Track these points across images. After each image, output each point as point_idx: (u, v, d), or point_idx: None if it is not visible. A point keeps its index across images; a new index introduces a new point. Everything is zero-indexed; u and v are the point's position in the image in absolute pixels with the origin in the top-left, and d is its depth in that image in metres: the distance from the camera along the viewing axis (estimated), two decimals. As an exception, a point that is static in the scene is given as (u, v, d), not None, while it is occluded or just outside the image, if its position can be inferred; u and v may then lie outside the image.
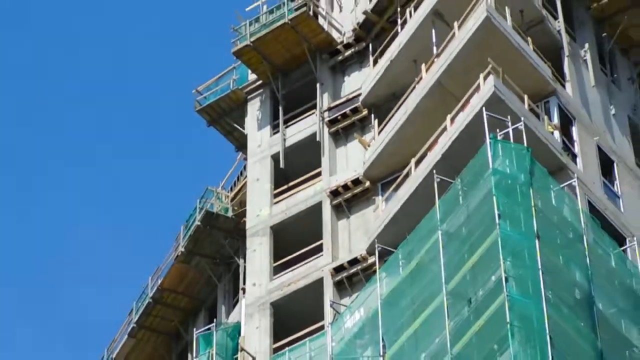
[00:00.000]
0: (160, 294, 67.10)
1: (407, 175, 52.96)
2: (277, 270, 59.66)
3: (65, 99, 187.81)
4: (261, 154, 64.69)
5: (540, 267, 40.58)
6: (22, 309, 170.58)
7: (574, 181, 49.85)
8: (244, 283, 61.20)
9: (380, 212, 55.52)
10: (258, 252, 61.04)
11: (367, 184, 57.49)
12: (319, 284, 57.62)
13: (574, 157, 54.24)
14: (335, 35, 64.69)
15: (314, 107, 62.72)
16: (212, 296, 67.75)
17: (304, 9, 62.87)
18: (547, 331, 38.12)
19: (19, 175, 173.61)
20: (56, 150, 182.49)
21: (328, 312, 54.97)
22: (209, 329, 62.35)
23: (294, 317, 58.48)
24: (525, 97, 51.96)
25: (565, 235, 47.86)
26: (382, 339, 48.98)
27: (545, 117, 53.82)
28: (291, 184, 62.47)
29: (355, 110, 60.89)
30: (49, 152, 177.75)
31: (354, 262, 56.21)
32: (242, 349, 57.94)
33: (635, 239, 53.10)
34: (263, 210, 62.37)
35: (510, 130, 46.99)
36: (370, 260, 53.27)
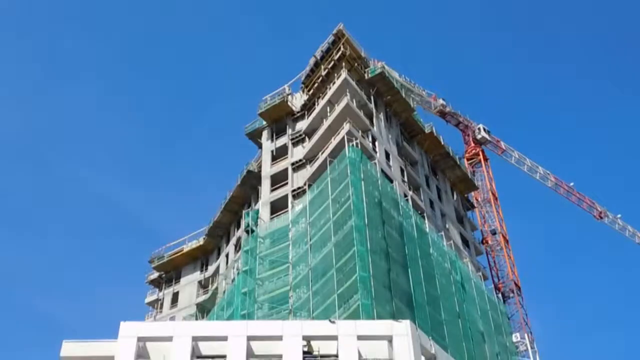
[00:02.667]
0: (232, 198, 71.67)
1: (319, 158, 60.03)
2: (272, 190, 63.99)
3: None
4: (267, 150, 68.65)
5: (365, 205, 49.53)
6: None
7: (376, 161, 58.60)
8: (261, 194, 65.13)
9: (309, 170, 61.54)
10: (265, 183, 65.25)
11: (305, 160, 63.41)
12: (287, 195, 62.33)
13: (375, 152, 60.51)
14: (294, 109, 68.86)
15: (286, 133, 68.13)
16: (250, 199, 70.39)
17: (283, 99, 67.93)
18: (367, 238, 47.25)
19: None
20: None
21: (290, 204, 60.94)
22: (248, 211, 66.41)
23: (278, 207, 62.51)
24: (360, 131, 58.99)
25: (376, 187, 54.45)
26: (308, 215, 55.36)
27: (367, 140, 60.39)
28: (277, 161, 66.59)
29: (301, 135, 66.18)
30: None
31: (298, 189, 61.26)
32: (259, 217, 61.76)
33: (396, 183, 60.98)
34: (268, 169, 66.53)
35: (354, 143, 55.19)
36: (304, 187, 59.59)
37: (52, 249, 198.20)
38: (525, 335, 73.61)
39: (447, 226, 68.70)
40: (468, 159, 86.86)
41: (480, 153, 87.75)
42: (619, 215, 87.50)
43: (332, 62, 65.09)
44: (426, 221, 60.66)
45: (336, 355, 38.02)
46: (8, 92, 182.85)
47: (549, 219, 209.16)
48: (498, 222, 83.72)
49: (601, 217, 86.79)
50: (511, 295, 78.43)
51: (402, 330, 38.78)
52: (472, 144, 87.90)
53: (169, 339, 39.50)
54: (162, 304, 78.23)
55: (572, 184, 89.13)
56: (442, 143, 72.63)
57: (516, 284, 79.40)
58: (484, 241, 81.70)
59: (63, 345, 39.99)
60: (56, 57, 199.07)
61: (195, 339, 39.09)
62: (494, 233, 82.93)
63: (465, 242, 72.69)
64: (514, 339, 70.21)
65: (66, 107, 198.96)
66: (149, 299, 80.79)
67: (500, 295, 76.24)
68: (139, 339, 39.34)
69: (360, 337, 38.44)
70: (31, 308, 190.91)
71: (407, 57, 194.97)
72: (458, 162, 76.12)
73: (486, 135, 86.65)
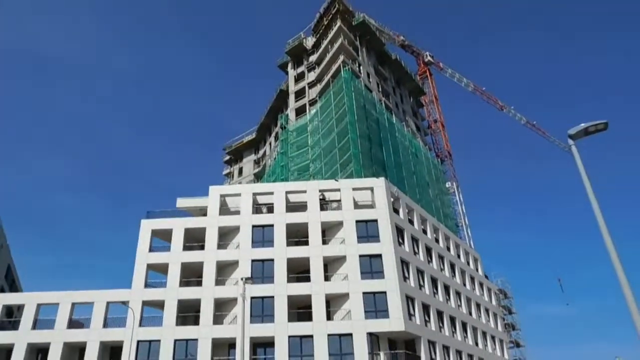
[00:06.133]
0: (271, 108, 69.08)
1: (324, 79, 58.58)
2: (296, 101, 62.69)
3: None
4: (291, 75, 66.28)
5: (355, 107, 49.07)
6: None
7: (361, 79, 57.16)
8: (289, 104, 63.34)
9: (319, 87, 59.57)
10: (291, 97, 63.64)
11: (316, 81, 61.45)
12: (305, 104, 61.02)
13: (360, 73, 59.03)
14: (307, 47, 66.11)
15: (303, 64, 65.61)
16: (282, 107, 67.99)
17: (300, 41, 65.40)
18: (357, 128, 47.12)
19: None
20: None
21: (307, 109, 60.30)
22: (282, 115, 64.66)
23: (300, 111, 60.98)
24: (350, 60, 57.84)
25: (362, 95, 52.65)
26: (319, 115, 54.38)
27: (355, 65, 58.66)
28: (298, 82, 64.29)
29: (313, 64, 63.68)
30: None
31: (312, 99, 60.41)
32: (289, 119, 60.99)
33: (375, 93, 59.34)
34: (292, 87, 64.54)
35: (347, 67, 54.21)
36: (316, 98, 58.98)
37: (168, 149, 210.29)
38: (454, 183, 75.61)
39: (406, 118, 68.90)
40: (419, 75, 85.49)
41: (427, 71, 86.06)
42: (512, 107, 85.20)
43: (331, 16, 63.38)
44: (393, 116, 60.72)
45: (340, 200, 40.72)
46: None
47: (470, 111, 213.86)
48: (439, 114, 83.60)
49: (502, 109, 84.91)
50: (446, 159, 79.11)
51: (379, 183, 41.15)
52: (422, 65, 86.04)
53: (239, 194, 42.48)
54: (232, 175, 79.48)
55: (484, 88, 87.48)
56: (403, 65, 71.85)
57: (449, 153, 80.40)
58: (429, 127, 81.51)
59: (178, 201, 43.25)
60: None
61: (255, 194, 41.98)
62: (435, 121, 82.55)
63: (417, 128, 73.00)
64: (447, 185, 71.08)
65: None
66: (225, 171, 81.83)
67: (439, 159, 76.60)
68: (221, 196, 42.41)
69: (354, 189, 41.04)
70: (155, 189, 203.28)
71: (381, 7, 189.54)
72: (413, 77, 75.41)
73: (431, 59, 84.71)
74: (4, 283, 52.16)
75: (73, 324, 37.43)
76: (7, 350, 36.72)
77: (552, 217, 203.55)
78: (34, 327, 36.89)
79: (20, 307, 38.74)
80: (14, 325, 37.83)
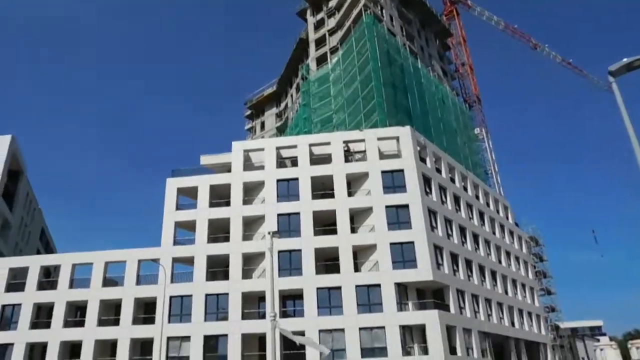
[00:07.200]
0: (291, 58, 68.15)
1: (345, 25, 56.60)
2: (316, 50, 61.42)
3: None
4: (311, 22, 64.37)
5: (378, 54, 47.49)
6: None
7: (384, 23, 54.83)
8: (310, 53, 62.43)
9: (340, 34, 58.07)
10: (312, 45, 62.10)
11: (336, 27, 59.42)
12: (326, 53, 59.51)
13: (383, 17, 56.54)
14: None
15: (322, 10, 63.06)
16: (302, 57, 66.44)
17: None
18: (380, 76, 45.82)
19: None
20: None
21: (329, 58, 58.54)
22: (303, 65, 63.59)
23: (321, 60, 59.96)
24: (372, 3, 55.00)
25: (385, 41, 50.82)
26: (341, 64, 53.08)
27: (377, 9, 56.37)
28: (318, 30, 62.39)
29: (333, 10, 61.28)
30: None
31: (334, 47, 58.78)
32: (310, 69, 59.79)
33: (398, 37, 57.17)
34: (312, 36, 62.74)
35: (369, 11, 51.86)
36: (337, 46, 57.23)
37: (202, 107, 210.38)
38: (482, 129, 73.59)
39: (432, 63, 66.41)
40: (446, 15, 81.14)
41: (454, 10, 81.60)
42: (546, 45, 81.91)
43: (350, -43, 59.71)
44: (418, 60, 58.60)
45: (364, 151, 40.27)
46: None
47: (502, 51, 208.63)
48: (466, 56, 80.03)
49: (536, 48, 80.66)
50: (474, 104, 76.76)
51: (405, 132, 40.25)
52: (448, 4, 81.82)
53: (262, 149, 42.27)
54: (255, 130, 79.33)
55: (516, 25, 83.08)
56: (428, 5, 68.32)
57: (478, 97, 77.74)
58: (457, 70, 78.47)
59: (201, 158, 43.53)
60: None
61: (278, 148, 41.61)
62: (463, 64, 79.33)
63: (444, 72, 70.58)
64: (476, 132, 69.60)
65: None
66: (247, 126, 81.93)
67: (467, 105, 73.98)
68: (245, 151, 42.31)
69: (379, 139, 40.36)
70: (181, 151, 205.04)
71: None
72: (439, 18, 72.27)
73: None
74: (39, 245, 54.74)
75: (107, 282, 39.10)
76: (49, 308, 38.84)
77: (588, 164, 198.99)
78: (71, 286, 38.75)
79: (56, 268, 40.63)
80: (52, 285, 39.80)
